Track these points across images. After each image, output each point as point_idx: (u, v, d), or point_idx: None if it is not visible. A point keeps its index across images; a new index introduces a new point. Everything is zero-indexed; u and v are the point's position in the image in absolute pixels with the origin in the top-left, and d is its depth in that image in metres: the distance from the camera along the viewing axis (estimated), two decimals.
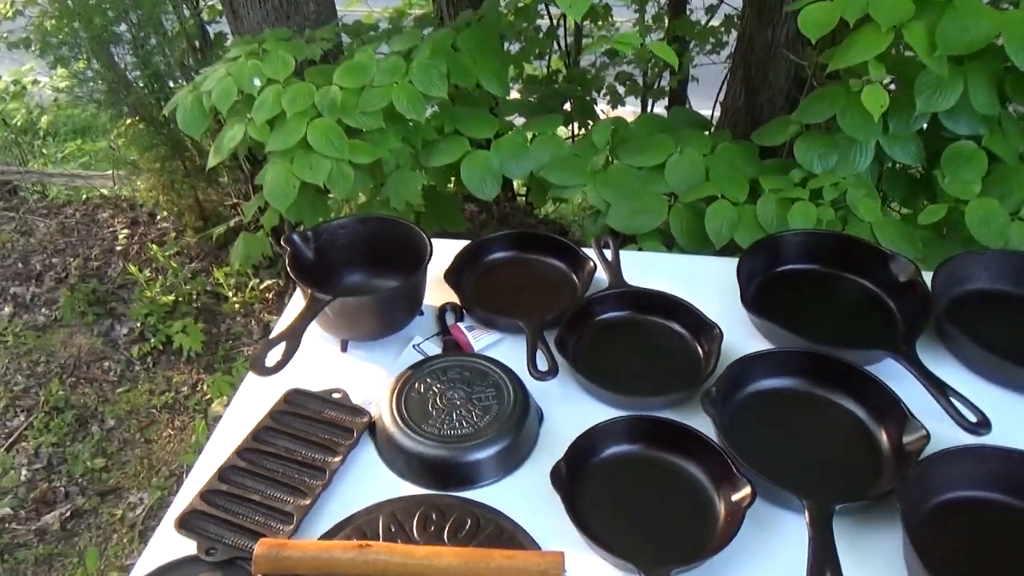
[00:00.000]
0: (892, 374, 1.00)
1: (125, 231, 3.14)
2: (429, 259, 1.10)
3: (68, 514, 2.10)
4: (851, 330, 1.12)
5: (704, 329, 1.08)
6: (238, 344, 2.62)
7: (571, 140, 2.68)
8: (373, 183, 1.86)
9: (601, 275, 1.20)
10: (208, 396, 2.41)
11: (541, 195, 2.03)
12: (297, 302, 1.21)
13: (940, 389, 0.96)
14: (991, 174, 1.57)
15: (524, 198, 2.87)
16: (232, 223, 2.73)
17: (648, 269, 1.24)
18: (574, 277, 1.23)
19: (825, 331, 1.07)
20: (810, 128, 1.74)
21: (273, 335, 0.97)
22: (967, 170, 1.57)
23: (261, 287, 2.75)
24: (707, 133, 2.06)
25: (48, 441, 2.29)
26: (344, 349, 1.12)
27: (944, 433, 0.91)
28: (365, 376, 1.08)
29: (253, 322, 2.70)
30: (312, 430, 0.99)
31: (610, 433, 0.94)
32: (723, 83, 2.40)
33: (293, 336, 0.96)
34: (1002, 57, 1.47)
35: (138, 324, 2.64)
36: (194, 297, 2.73)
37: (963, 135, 1.58)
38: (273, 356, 0.94)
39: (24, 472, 2.21)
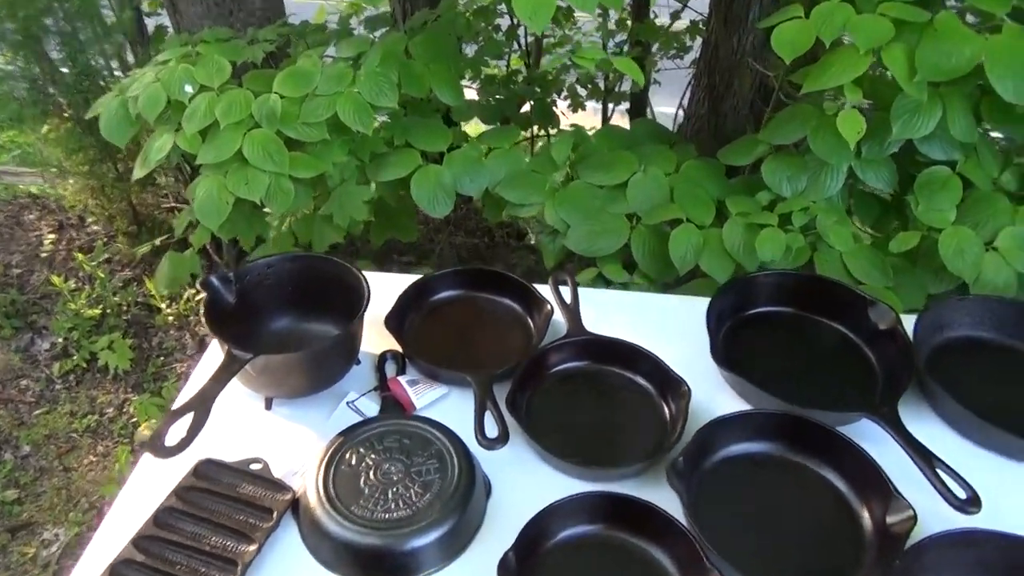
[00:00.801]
0: (874, 436, 0.92)
1: (51, 236, 2.92)
2: (366, 306, 0.97)
3: None
4: (828, 385, 1.03)
5: (671, 385, 0.98)
6: (170, 360, 2.45)
7: (530, 144, 2.57)
8: (315, 197, 1.72)
9: (559, 317, 1.09)
10: (135, 419, 2.23)
11: (496, 209, 1.91)
12: (214, 355, 1.07)
13: (926, 459, 0.87)
14: (965, 201, 1.50)
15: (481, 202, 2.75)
16: (158, 242, 2.54)
17: (609, 309, 1.13)
18: (529, 320, 1.11)
19: (800, 386, 0.98)
20: (779, 149, 1.65)
21: (177, 404, 0.83)
22: (942, 197, 1.50)
23: (197, 298, 2.57)
24: (671, 147, 1.97)
25: None
26: (268, 407, 0.99)
27: (930, 506, 0.83)
28: (291, 440, 0.95)
29: (187, 336, 2.52)
30: (225, 510, 0.85)
31: (564, 514, 0.83)
32: (687, 88, 2.32)
33: (202, 405, 0.83)
34: (977, 77, 1.40)
35: (60, 339, 2.44)
36: (124, 309, 2.54)
37: (938, 160, 1.51)
38: (177, 431, 0.80)
39: None
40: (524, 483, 0.91)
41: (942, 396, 0.97)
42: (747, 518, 0.86)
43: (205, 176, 1.57)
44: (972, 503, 0.83)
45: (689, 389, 0.96)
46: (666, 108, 2.38)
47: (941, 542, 0.79)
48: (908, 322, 1.06)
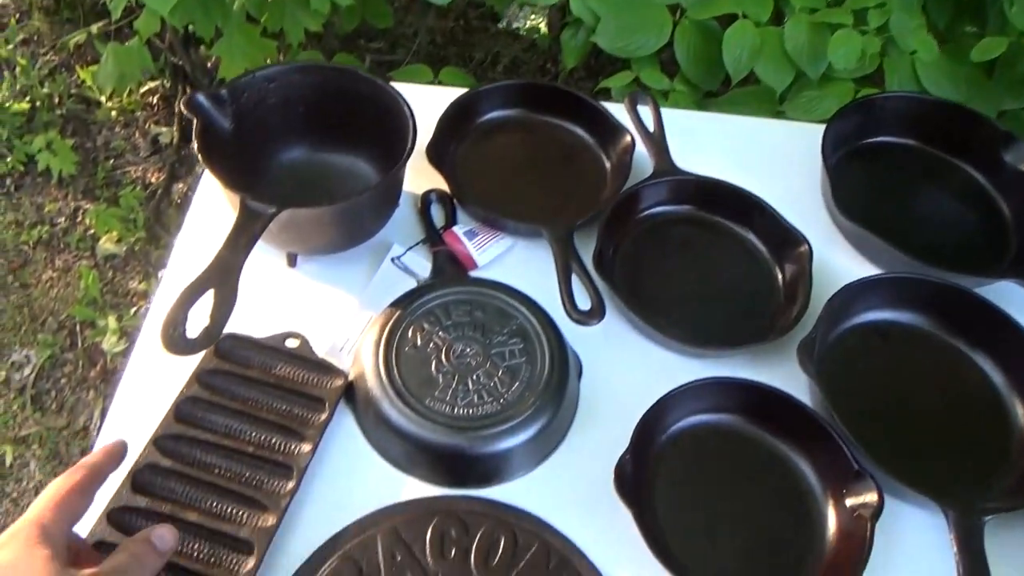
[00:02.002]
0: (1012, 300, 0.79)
1: None
2: (413, 140, 0.75)
3: None
4: (957, 238, 0.89)
5: (787, 241, 0.81)
6: (121, 163, 2.16)
7: None
8: None
9: (640, 151, 0.88)
10: (92, 231, 2.00)
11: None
12: (207, 196, 0.85)
13: None
14: None
15: None
16: (95, 29, 2.12)
17: (688, 135, 0.93)
18: (602, 153, 0.91)
19: (929, 240, 0.84)
20: None
21: (171, 271, 0.63)
22: None
23: (142, 90, 2.22)
24: None
25: None
26: (292, 264, 0.80)
27: None
28: (326, 308, 0.77)
29: (137, 134, 2.21)
30: (262, 398, 0.69)
31: (681, 404, 0.70)
32: None
33: (224, 280, 0.63)
34: None
35: None
36: (56, 102, 2.18)
37: None
38: (197, 318, 0.61)
39: None
40: (616, 360, 0.76)
41: None
42: (889, 409, 0.74)
43: None
44: None
45: (810, 248, 0.80)
46: None
47: None
48: None
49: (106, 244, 1.98)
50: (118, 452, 0.57)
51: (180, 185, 2.10)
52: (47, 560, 0.46)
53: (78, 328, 1.85)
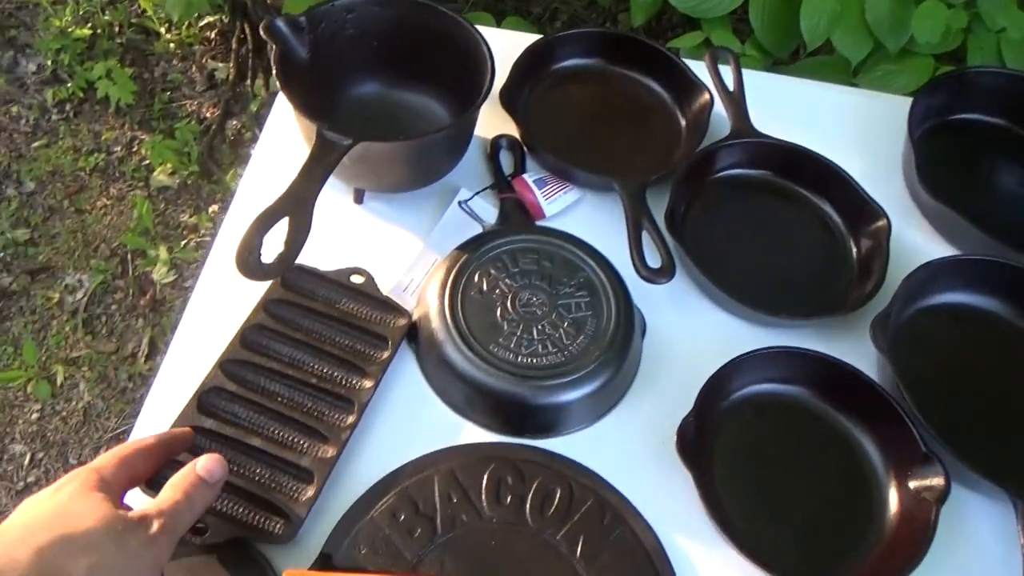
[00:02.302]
0: None
1: None
2: (491, 82, 0.74)
3: None
4: None
5: (864, 214, 0.79)
6: (178, 96, 2.17)
7: None
8: None
9: (718, 110, 0.86)
10: (147, 161, 2.02)
11: None
12: (281, 123, 0.84)
13: None
14: None
15: None
16: None
17: (766, 98, 0.89)
18: (677, 110, 0.88)
19: (1012, 222, 0.80)
20: None
21: (241, 196, 0.62)
22: None
23: (200, 24, 2.22)
24: None
25: None
26: (359, 201, 0.79)
27: None
28: (391, 247, 0.77)
29: (193, 68, 2.21)
30: (326, 332, 0.70)
31: (747, 371, 0.68)
32: None
33: (298, 208, 0.62)
34: None
35: (48, 62, 2.13)
36: (116, 31, 2.19)
37: None
38: (272, 243, 0.61)
39: None
40: (680, 322, 0.75)
41: None
42: (959, 393, 0.72)
43: None
44: None
45: (889, 223, 0.77)
46: None
47: None
48: None
49: (160, 176, 2.00)
50: (188, 438, 0.59)
51: (234, 122, 2.11)
52: (100, 502, 0.46)
53: (129, 257, 1.88)
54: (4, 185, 1.97)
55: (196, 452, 0.62)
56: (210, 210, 1.97)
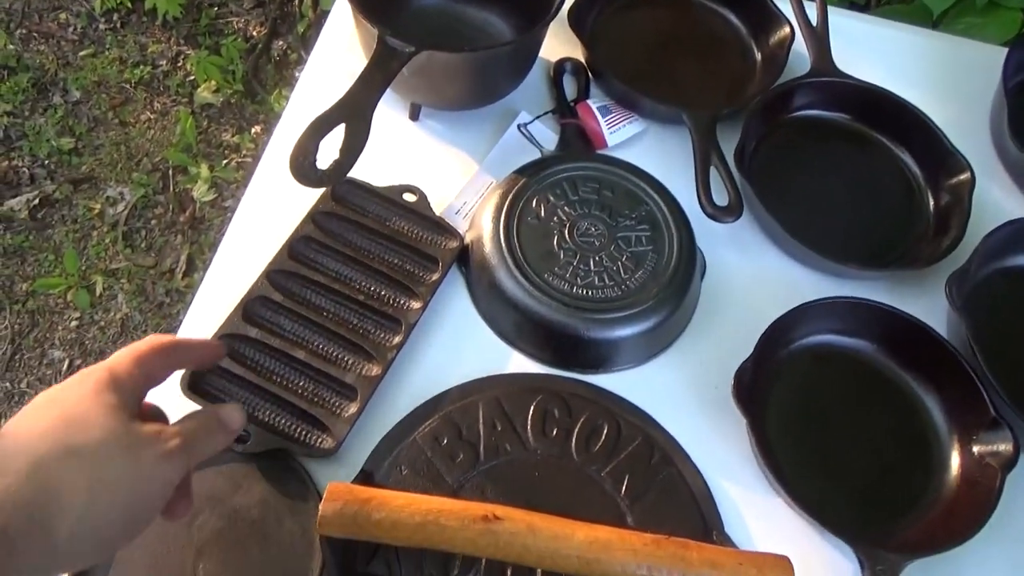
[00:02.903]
0: None
1: None
2: (561, 1, 0.69)
3: (37, 202, 1.81)
4: None
5: (946, 167, 0.74)
6: (224, 12, 2.13)
7: None
8: None
9: (799, 47, 0.80)
10: (192, 77, 2.00)
11: None
12: (337, 33, 0.80)
13: None
14: None
15: None
16: None
17: (852, 40, 0.84)
18: (753, 43, 0.83)
19: None
20: None
21: (316, 118, 0.59)
22: None
23: None
24: None
25: (1, 109, 1.91)
26: (415, 117, 0.76)
27: None
28: (446, 167, 0.74)
29: None
30: (375, 250, 0.68)
31: (810, 320, 0.65)
32: None
33: (356, 115, 0.59)
34: None
35: None
36: None
37: None
38: (327, 150, 0.58)
39: None
40: (741, 265, 0.72)
41: None
42: None
43: None
44: None
45: (973, 176, 0.72)
46: None
47: None
48: None
49: (204, 93, 1.98)
50: (217, 349, 0.52)
51: (280, 43, 2.07)
52: (111, 409, 0.40)
53: (171, 172, 1.88)
54: (51, 92, 1.97)
55: (240, 360, 0.61)
56: (252, 131, 1.95)
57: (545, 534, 0.47)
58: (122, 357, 0.43)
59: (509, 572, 0.54)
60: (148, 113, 1.96)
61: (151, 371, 0.45)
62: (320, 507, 0.46)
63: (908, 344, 0.65)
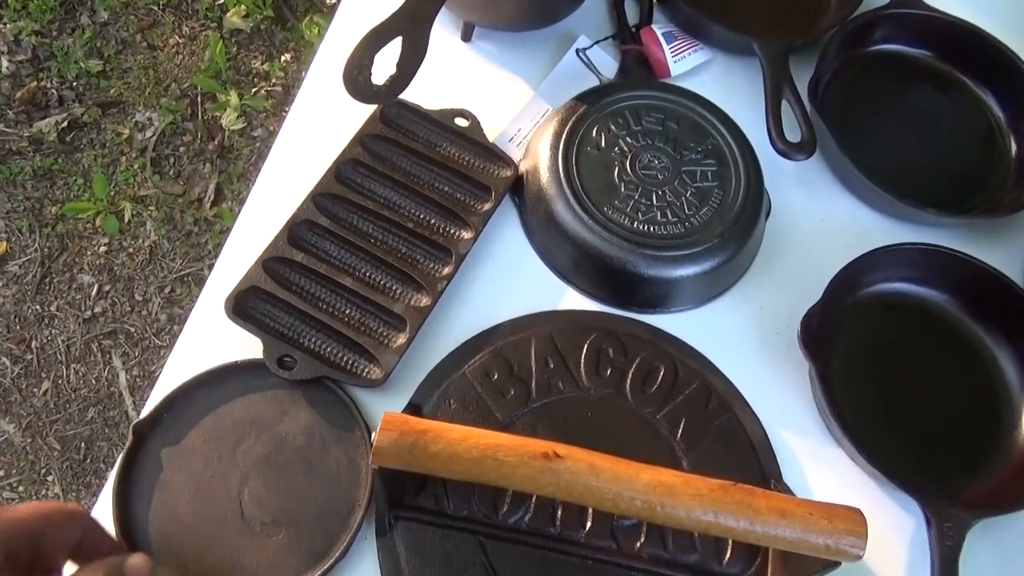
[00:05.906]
0: None
1: None
2: None
3: (65, 124, 1.79)
4: None
5: None
6: None
7: None
8: None
9: None
10: (221, 1, 1.94)
11: None
12: None
13: None
14: None
15: None
16: None
17: None
18: None
19: None
20: None
21: (370, 30, 0.55)
22: None
23: None
24: None
25: (29, 28, 1.87)
26: (467, 38, 0.72)
27: None
28: (500, 91, 0.70)
29: None
30: (425, 176, 0.65)
31: (882, 266, 0.62)
32: None
33: (414, 28, 0.56)
34: None
35: None
36: None
37: None
38: (384, 65, 0.55)
39: (5, 63, 1.84)
40: (809, 206, 0.68)
41: None
42: None
43: None
44: None
45: None
46: None
47: None
48: None
49: (233, 18, 1.92)
50: (80, 518, 0.45)
51: None
52: None
53: (199, 99, 1.84)
54: (79, 13, 1.92)
55: (285, 284, 0.59)
56: (282, 59, 1.90)
57: (607, 475, 0.45)
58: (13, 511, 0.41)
59: (559, 510, 0.53)
60: (176, 37, 1.91)
61: (28, 528, 0.41)
62: (375, 437, 0.44)
63: (983, 295, 0.62)
